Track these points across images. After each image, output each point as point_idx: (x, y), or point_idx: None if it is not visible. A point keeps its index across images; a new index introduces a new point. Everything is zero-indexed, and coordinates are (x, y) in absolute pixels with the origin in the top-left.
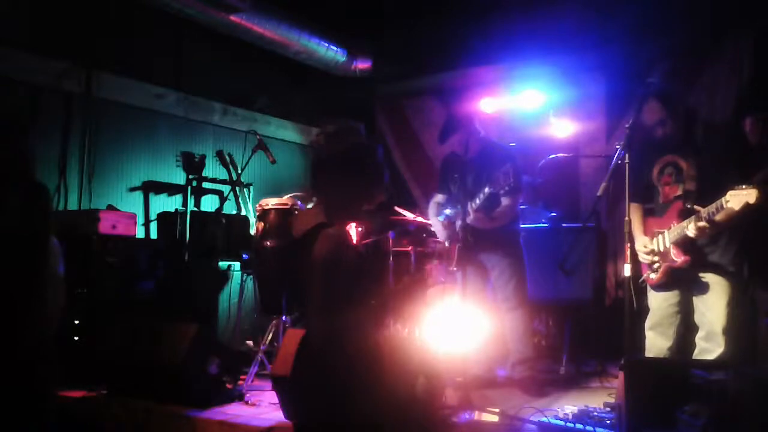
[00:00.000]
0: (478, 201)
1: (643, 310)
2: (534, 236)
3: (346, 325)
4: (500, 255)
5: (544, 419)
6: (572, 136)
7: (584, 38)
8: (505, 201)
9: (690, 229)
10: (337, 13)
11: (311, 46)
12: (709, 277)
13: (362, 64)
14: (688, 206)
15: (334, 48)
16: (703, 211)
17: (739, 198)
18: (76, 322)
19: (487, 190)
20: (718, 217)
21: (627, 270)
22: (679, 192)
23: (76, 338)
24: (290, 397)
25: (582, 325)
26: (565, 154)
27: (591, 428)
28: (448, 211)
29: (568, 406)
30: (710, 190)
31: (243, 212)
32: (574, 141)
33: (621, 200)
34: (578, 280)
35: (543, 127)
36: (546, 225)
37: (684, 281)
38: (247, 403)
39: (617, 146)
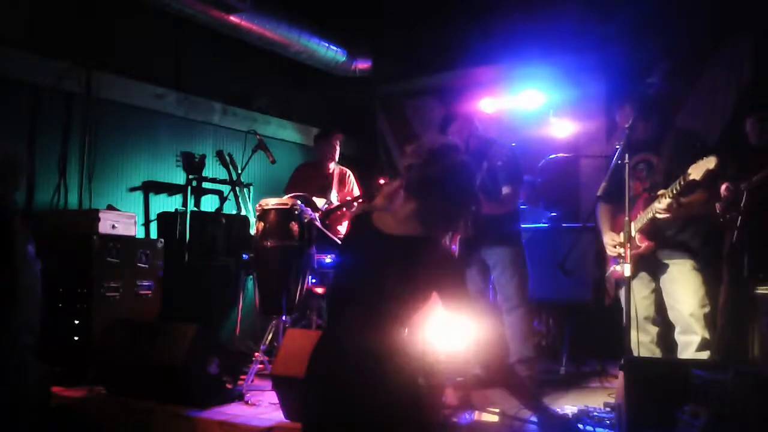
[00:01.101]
0: (477, 180)
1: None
2: (534, 236)
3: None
4: (502, 252)
5: None
6: (572, 136)
7: (584, 38)
8: (505, 190)
9: (657, 209)
10: (337, 13)
11: (311, 46)
12: (673, 268)
13: (362, 64)
14: (653, 195)
15: (334, 48)
16: (668, 190)
17: (699, 168)
18: (76, 322)
19: (485, 165)
20: (683, 198)
21: (627, 270)
22: (648, 185)
23: (76, 338)
24: (304, 397)
25: (582, 325)
26: (565, 154)
27: (591, 428)
28: None
29: (568, 406)
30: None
31: (243, 212)
32: (574, 141)
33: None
34: (578, 280)
35: (543, 127)
36: (546, 225)
37: (651, 269)
38: (247, 403)
39: (617, 146)
